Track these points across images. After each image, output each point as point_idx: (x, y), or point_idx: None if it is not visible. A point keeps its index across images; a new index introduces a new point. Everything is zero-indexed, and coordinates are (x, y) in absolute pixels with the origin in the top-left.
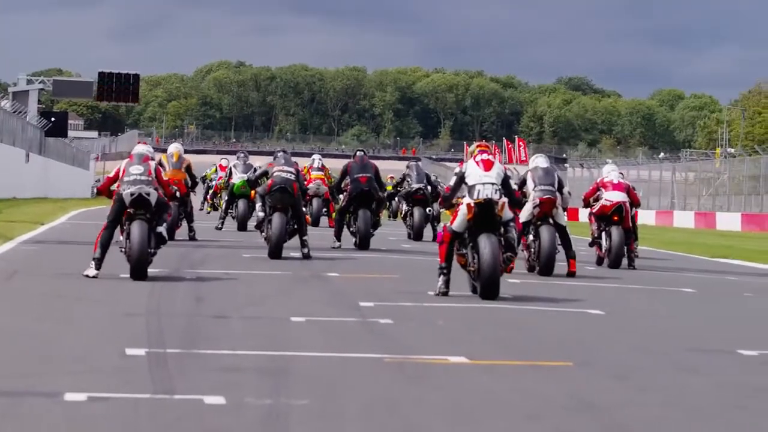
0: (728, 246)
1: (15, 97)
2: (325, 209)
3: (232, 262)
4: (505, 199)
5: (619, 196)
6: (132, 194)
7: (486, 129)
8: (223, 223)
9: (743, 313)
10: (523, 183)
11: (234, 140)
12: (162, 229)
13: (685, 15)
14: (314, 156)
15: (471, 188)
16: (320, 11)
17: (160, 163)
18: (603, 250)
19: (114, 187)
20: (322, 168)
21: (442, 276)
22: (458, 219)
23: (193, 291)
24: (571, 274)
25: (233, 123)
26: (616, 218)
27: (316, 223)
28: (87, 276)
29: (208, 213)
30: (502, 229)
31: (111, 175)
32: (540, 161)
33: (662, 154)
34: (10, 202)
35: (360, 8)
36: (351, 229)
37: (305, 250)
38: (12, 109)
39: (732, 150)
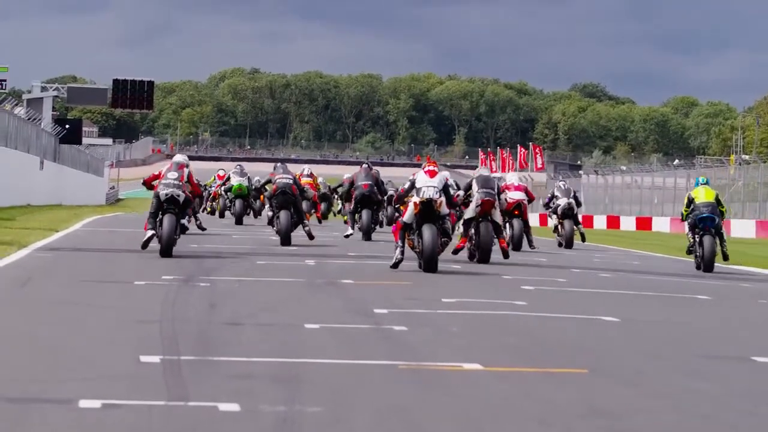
0: (743, 253)
1: (29, 104)
2: (313, 209)
3: (246, 269)
4: (443, 199)
5: (518, 195)
6: (166, 194)
7: (500, 136)
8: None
9: (758, 320)
10: (468, 187)
11: (249, 147)
12: (185, 221)
13: (698, 21)
14: (304, 167)
15: (418, 190)
16: (333, 18)
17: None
18: (507, 238)
19: (155, 182)
20: (311, 175)
21: (398, 249)
22: (408, 213)
23: (207, 297)
24: (503, 249)
25: (248, 130)
26: (516, 213)
27: None
28: (146, 240)
29: (203, 211)
30: (440, 221)
31: (156, 173)
32: (483, 171)
33: (676, 161)
34: (24, 209)
35: (373, 15)
36: (357, 225)
37: (306, 229)
38: (26, 116)
39: (746, 157)
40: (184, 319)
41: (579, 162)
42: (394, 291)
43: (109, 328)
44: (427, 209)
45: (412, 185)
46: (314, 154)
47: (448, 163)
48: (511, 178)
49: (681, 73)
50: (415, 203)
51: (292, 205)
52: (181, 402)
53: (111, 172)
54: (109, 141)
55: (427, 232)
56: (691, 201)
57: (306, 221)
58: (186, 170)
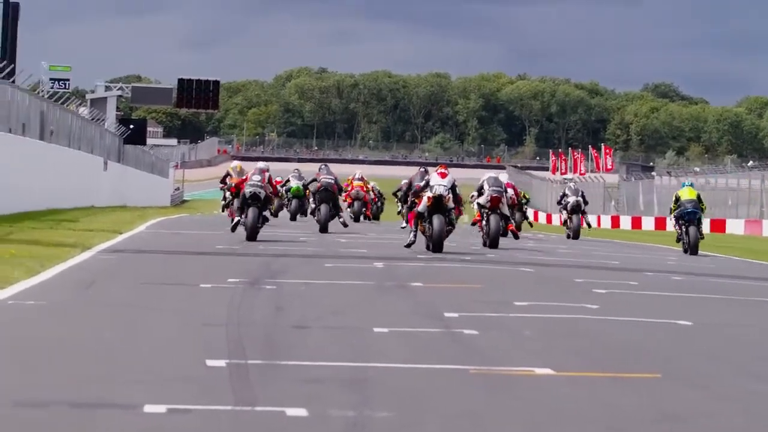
0: None
1: (93, 104)
2: (363, 208)
3: (314, 272)
4: (450, 196)
5: (509, 192)
6: (250, 192)
7: (572, 137)
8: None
9: None
10: (481, 186)
11: (316, 148)
12: (266, 213)
13: None
14: (356, 171)
15: (431, 187)
16: (401, 16)
17: (229, 173)
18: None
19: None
20: (362, 179)
21: (412, 233)
22: (422, 205)
23: (274, 300)
24: (512, 232)
25: (315, 130)
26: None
27: (357, 218)
28: (234, 224)
29: None
30: (447, 213)
31: (244, 177)
32: (492, 173)
33: (751, 162)
34: (88, 210)
35: (442, 14)
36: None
37: (341, 220)
38: (90, 116)
39: None
40: (251, 322)
41: (651, 163)
42: (464, 294)
43: (175, 332)
44: (438, 203)
45: (427, 183)
46: (383, 155)
47: (519, 164)
48: (503, 177)
49: (754, 73)
50: (428, 197)
51: (332, 201)
52: (248, 407)
53: (176, 173)
54: (173, 141)
55: (436, 220)
56: (677, 199)
57: (341, 213)
58: (267, 174)
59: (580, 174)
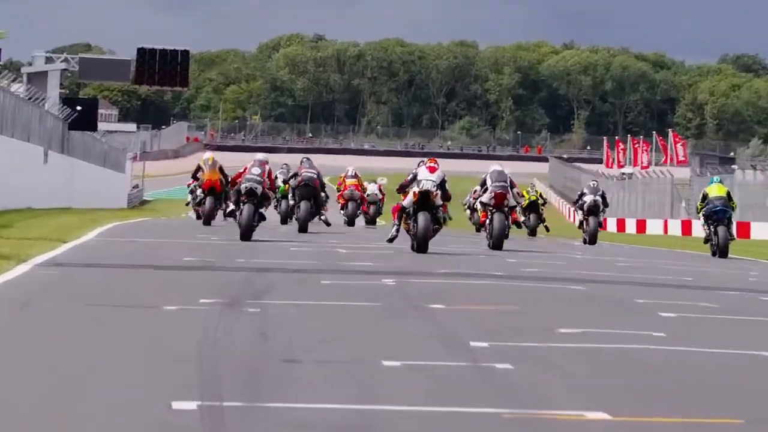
0: None
1: (30, 80)
2: (359, 210)
3: (307, 291)
4: (439, 192)
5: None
6: (246, 188)
7: (631, 121)
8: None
9: None
10: (483, 182)
11: (310, 135)
12: (263, 210)
13: None
14: (348, 168)
15: (418, 182)
16: None
17: (200, 167)
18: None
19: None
20: (356, 176)
21: (394, 227)
22: (407, 199)
23: (257, 326)
24: (515, 221)
25: (309, 113)
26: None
27: (351, 222)
28: (230, 210)
29: None
30: (434, 211)
31: (241, 171)
32: (496, 167)
33: None
34: (25, 213)
35: None
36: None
37: (323, 218)
38: (27, 95)
39: None
40: (228, 354)
41: (732, 154)
42: (495, 318)
43: (132, 365)
44: (424, 199)
45: (414, 177)
46: (394, 144)
47: (565, 156)
48: (508, 171)
49: None
50: (414, 192)
51: (313, 197)
52: None
53: (134, 167)
54: (132, 127)
55: (422, 218)
56: (705, 196)
57: (323, 211)
58: (267, 167)
59: (642, 167)
